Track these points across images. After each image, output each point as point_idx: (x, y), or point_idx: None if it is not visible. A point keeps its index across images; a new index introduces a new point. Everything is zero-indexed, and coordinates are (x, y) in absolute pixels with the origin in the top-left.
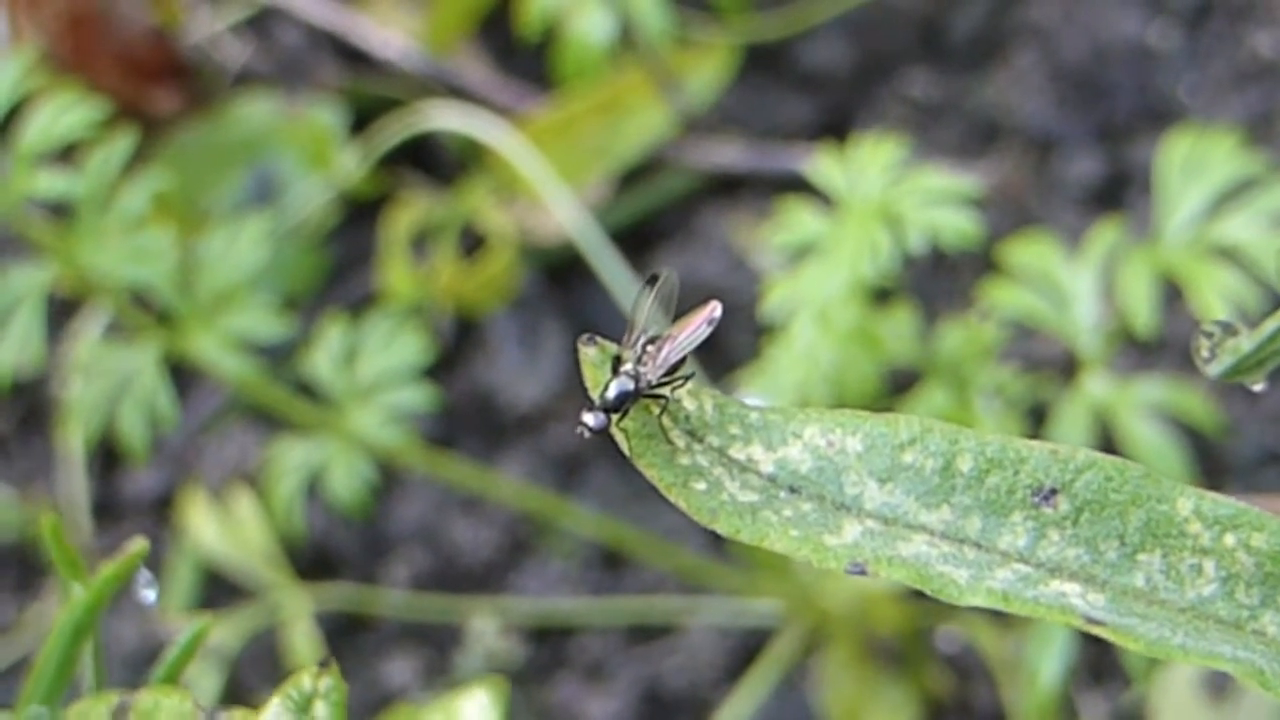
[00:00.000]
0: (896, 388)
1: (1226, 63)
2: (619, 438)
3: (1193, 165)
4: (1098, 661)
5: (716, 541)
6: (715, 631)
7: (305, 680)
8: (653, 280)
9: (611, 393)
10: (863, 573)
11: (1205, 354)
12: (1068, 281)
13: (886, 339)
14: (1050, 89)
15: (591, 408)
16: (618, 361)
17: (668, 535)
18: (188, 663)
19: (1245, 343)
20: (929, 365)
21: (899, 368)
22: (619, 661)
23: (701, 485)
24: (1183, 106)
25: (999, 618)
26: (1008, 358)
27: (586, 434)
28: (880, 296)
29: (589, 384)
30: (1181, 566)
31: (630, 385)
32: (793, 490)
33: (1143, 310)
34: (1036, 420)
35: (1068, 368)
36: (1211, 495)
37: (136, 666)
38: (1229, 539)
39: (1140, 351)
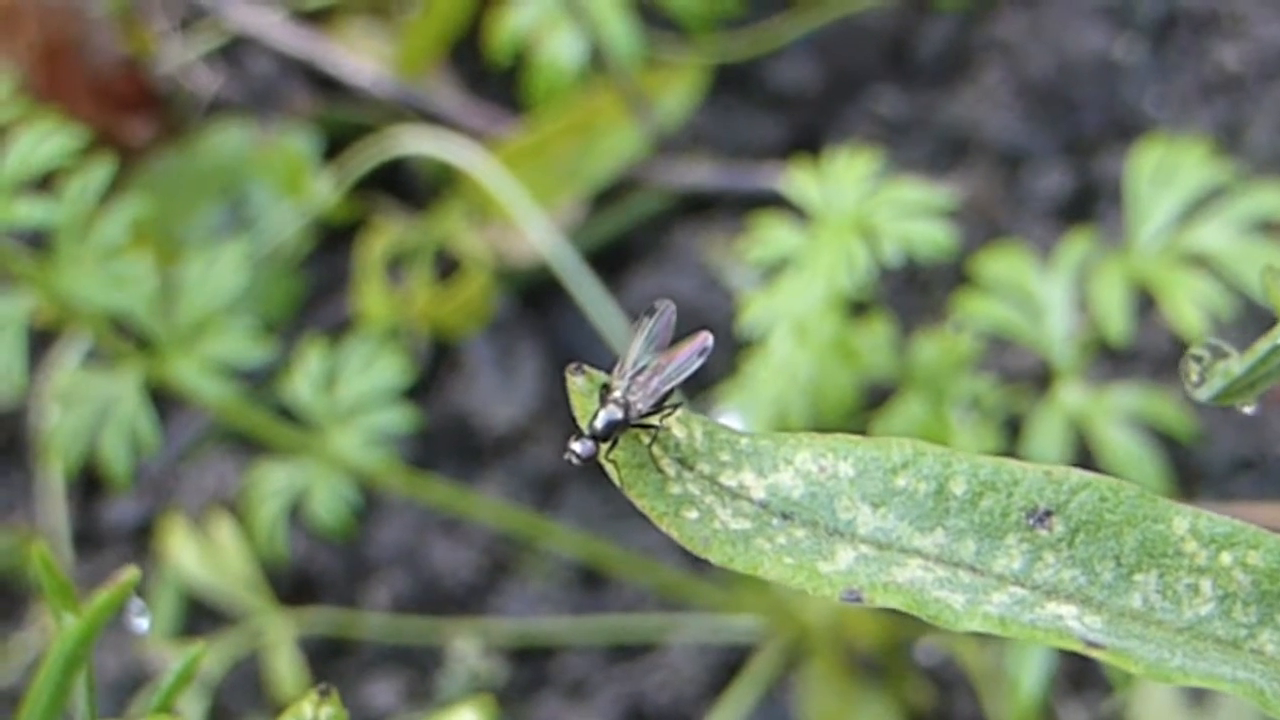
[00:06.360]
0: (873, 401)
1: (1192, 75)
2: (609, 469)
3: (1163, 174)
4: (1078, 670)
5: (695, 558)
6: (696, 648)
7: (306, 708)
8: (650, 311)
9: (600, 422)
10: (858, 599)
11: (1195, 378)
12: (1041, 293)
13: (863, 352)
14: (1018, 104)
15: (580, 436)
16: (606, 390)
17: (646, 553)
18: (182, 691)
19: (1236, 365)
20: (905, 378)
21: (876, 380)
22: (601, 680)
23: (693, 514)
24: (1149, 119)
25: None
26: (983, 369)
27: (575, 461)
28: (856, 310)
29: (578, 413)
30: (1178, 586)
31: (619, 414)
32: (785, 517)
33: (1116, 319)
34: (1012, 431)
35: (1042, 378)
36: (1207, 514)
37: (120, 696)
38: (1225, 557)
39: (1114, 360)
